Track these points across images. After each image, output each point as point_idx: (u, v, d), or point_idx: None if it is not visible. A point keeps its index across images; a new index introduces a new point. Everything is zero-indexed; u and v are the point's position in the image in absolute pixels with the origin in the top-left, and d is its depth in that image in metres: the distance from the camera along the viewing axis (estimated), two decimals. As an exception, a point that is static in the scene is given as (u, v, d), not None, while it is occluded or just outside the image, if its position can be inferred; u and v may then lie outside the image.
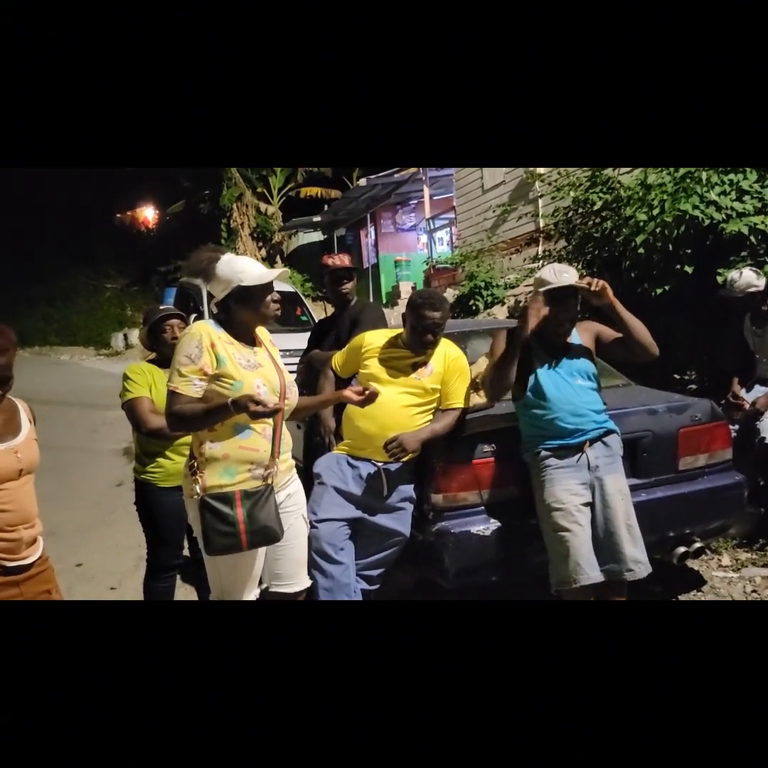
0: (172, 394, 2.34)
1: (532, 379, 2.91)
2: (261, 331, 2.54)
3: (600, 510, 2.84)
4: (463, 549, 2.95)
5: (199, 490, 2.33)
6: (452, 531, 2.95)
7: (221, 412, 2.28)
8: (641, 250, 4.70)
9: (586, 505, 2.84)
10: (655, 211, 4.68)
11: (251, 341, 2.48)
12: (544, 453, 2.89)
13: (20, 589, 2.23)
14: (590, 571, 2.77)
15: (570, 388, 2.90)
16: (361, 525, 2.99)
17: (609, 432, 2.93)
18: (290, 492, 2.54)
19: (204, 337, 2.33)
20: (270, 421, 2.40)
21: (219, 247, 2.61)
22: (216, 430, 2.36)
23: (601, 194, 5.42)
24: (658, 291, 4.66)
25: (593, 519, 2.85)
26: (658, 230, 4.62)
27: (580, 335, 3.03)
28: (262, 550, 2.43)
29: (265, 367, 2.42)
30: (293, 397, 2.51)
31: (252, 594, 2.46)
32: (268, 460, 2.40)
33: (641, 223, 4.72)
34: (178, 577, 3.34)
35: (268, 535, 2.34)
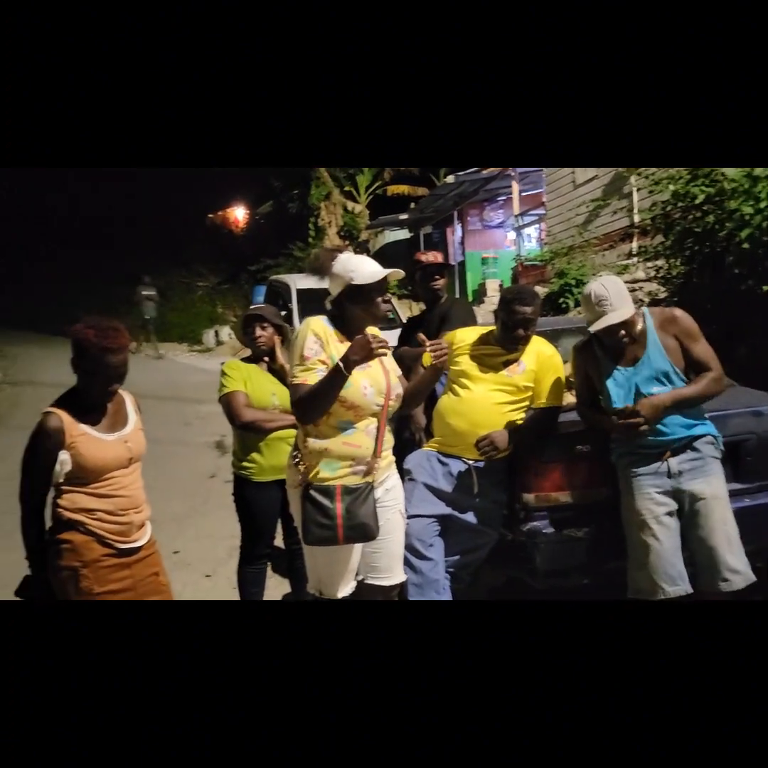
0: (296, 387, 2.37)
1: (605, 391, 2.80)
2: (372, 331, 2.53)
3: (689, 517, 2.71)
4: (554, 550, 2.90)
5: (301, 480, 2.38)
6: (543, 531, 2.91)
7: (334, 377, 2.28)
8: (746, 245, 4.49)
9: (669, 514, 2.70)
10: (763, 204, 4.45)
11: None
12: (624, 459, 2.79)
13: (131, 571, 2.34)
14: (667, 586, 2.63)
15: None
16: (450, 522, 2.99)
17: (697, 437, 2.75)
18: (388, 487, 2.56)
19: (321, 333, 2.40)
20: (374, 418, 2.43)
21: (340, 245, 2.65)
22: (320, 426, 2.40)
23: (703, 187, 5.19)
24: (765, 288, 4.44)
25: (683, 528, 2.71)
26: (764, 224, 4.40)
27: (657, 330, 2.77)
28: (359, 544, 2.46)
29: (372, 367, 2.43)
30: (397, 398, 2.52)
31: (348, 586, 2.50)
32: (370, 458, 2.43)
33: (747, 217, 4.50)
34: (270, 567, 3.46)
35: (364, 532, 2.38)
